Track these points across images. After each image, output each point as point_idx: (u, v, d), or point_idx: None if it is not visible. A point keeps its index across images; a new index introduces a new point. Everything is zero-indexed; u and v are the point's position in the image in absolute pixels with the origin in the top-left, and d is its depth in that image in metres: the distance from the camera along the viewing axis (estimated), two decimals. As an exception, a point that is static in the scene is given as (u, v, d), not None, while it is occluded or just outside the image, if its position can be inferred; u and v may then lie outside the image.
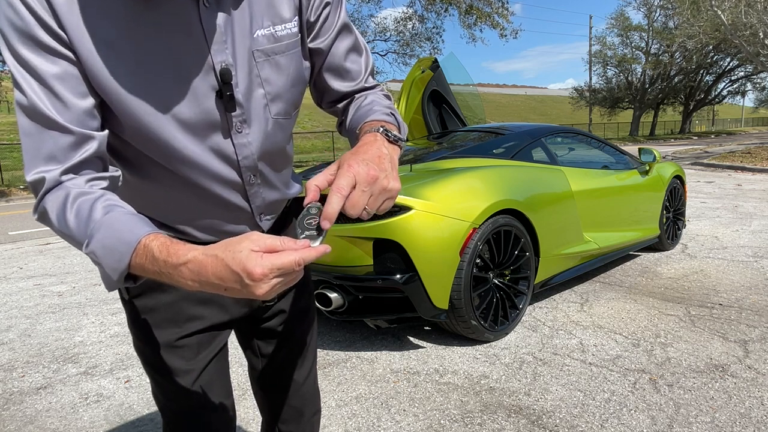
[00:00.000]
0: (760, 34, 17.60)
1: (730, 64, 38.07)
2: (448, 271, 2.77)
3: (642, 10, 37.82)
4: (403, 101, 4.91)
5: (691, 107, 42.01)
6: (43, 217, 0.78)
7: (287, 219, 1.13)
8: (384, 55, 21.56)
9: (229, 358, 1.46)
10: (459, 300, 2.80)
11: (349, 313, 2.86)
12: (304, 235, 0.70)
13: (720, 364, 2.63)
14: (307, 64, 0.96)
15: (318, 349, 3.01)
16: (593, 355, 2.79)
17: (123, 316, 3.71)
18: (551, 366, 2.68)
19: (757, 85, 42.40)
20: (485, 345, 2.98)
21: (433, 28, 23.61)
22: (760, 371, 2.53)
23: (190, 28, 0.80)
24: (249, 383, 2.31)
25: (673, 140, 34.50)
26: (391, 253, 2.72)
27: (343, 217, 0.77)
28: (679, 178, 5.06)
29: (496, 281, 3.09)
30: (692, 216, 6.53)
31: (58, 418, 2.39)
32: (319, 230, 0.70)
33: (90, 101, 0.79)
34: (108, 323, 3.62)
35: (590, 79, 39.27)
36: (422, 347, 2.99)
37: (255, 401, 1.26)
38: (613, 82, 41.52)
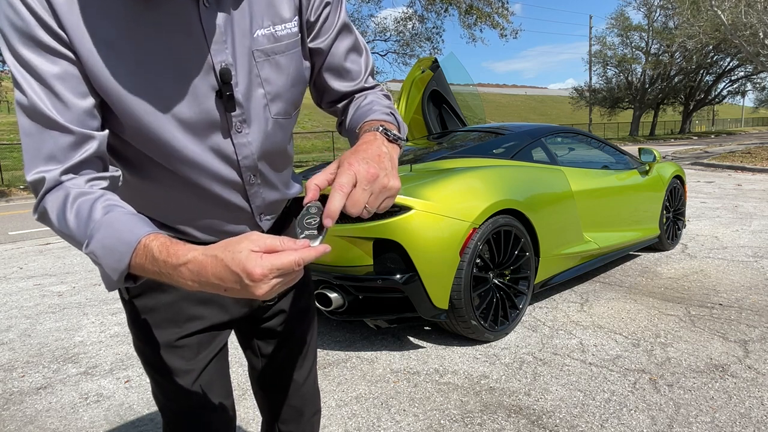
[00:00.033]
0: (760, 34, 17.60)
1: (730, 64, 38.08)
2: (448, 271, 2.77)
3: (642, 10, 37.85)
4: (403, 101, 4.91)
5: (691, 107, 42.01)
6: (43, 217, 0.78)
7: (287, 219, 1.13)
8: (384, 55, 21.57)
9: (229, 358, 1.46)
10: (459, 300, 2.80)
11: (349, 313, 2.86)
12: (303, 235, 0.70)
13: (720, 364, 2.63)
14: (307, 63, 0.96)
15: (318, 349, 3.01)
16: (593, 355, 2.79)
17: (123, 316, 3.71)
18: (551, 366, 2.68)
19: (757, 85, 42.41)
20: (485, 345, 2.98)
21: (433, 28, 23.62)
22: (760, 371, 2.53)
23: (190, 28, 0.80)
24: (249, 383, 2.31)
25: (673, 140, 34.51)
26: (391, 253, 2.72)
27: (343, 217, 0.77)
28: (679, 178, 5.06)
29: (496, 281, 3.09)
30: (692, 216, 6.53)
31: (58, 418, 2.39)
32: (319, 230, 0.70)
33: (90, 101, 0.79)
34: (108, 323, 3.62)
35: (590, 79, 39.29)
36: (422, 347, 3.00)
37: (255, 401, 1.26)
38: (613, 82, 41.53)
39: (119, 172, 0.87)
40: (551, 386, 2.48)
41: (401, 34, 20.64)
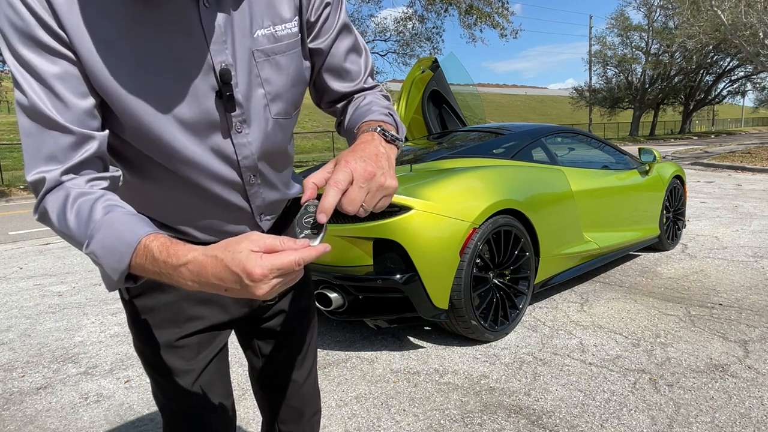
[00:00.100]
0: (760, 34, 17.60)
1: (730, 64, 38.07)
2: (448, 271, 2.77)
3: (642, 10, 37.84)
4: (403, 101, 4.91)
5: (691, 107, 42.01)
6: (43, 217, 0.78)
7: (287, 219, 1.13)
8: (384, 55, 21.56)
9: (229, 358, 1.46)
10: (459, 300, 2.80)
11: (349, 313, 2.87)
12: (303, 234, 0.70)
13: (720, 364, 2.63)
14: (307, 64, 0.96)
15: (318, 349, 3.01)
16: (593, 355, 2.79)
17: (123, 316, 3.71)
18: (551, 366, 2.68)
19: (757, 85, 42.41)
20: (485, 345, 2.98)
21: (433, 28, 23.59)
22: (760, 371, 2.53)
23: (190, 28, 0.80)
24: (249, 383, 2.31)
25: (673, 140, 34.50)
26: (391, 253, 2.72)
27: (342, 217, 0.77)
28: (679, 178, 5.06)
29: (496, 281, 3.09)
30: (692, 216, 6.53)
31: (58, 418, 2.39)
32: (319, 228, 0.70)
33: (90, 101, 0.79)
34: (108, 323, 3.62)
35: (590, 79, 39.29)
36: (422, 347, 3.00)
37: (255, 401, 1.26)
38: (613, 82, 41.52)
39: (119, 173, 0.87)
40: (551, 386, 2.48)
41: (401, 34, 20.64)
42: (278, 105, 0.93)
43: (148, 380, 2.71)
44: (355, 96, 1.02)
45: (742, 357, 2.69)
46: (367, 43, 1.04)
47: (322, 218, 0.69)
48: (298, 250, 0.66)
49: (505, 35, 18.96)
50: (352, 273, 2.78)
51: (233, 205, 0.96)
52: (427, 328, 3.29)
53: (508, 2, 18.67)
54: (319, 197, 0.71)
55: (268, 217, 1.04)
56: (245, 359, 1.21)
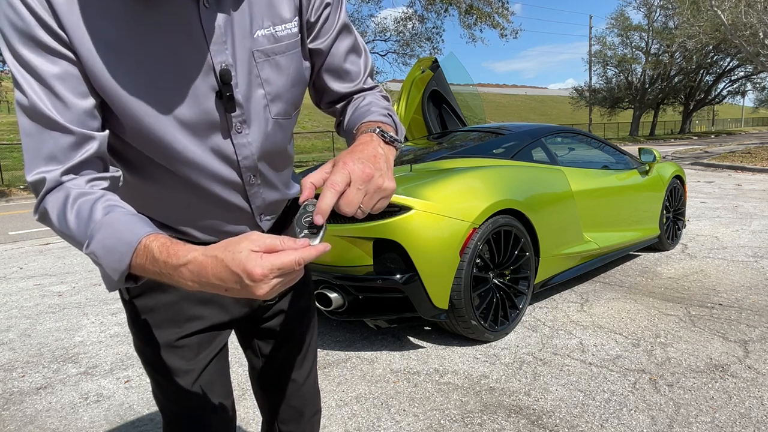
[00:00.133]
0: (760, 34, 17.60)
1: (730, 64, 38.06)
2: (448, 271, 2.77)
3: (642, 10, 37.84)
4: (403, 101, 4.91)
5: (691, 107, 42.01)
6: (43, 217, 0.78)
7: (287, 219, 1.13)
8: (384, 55, 21.56)
9: (229, 358, 1.46)
10: (459, 300, 2.80)
11: (349, 313, 2.87)
12: (303, 234, 0.70)
13: (720, 364, 2.63)
14: (307, 64, 0.96)
15: (318, 349, 3.01)
16: (593, 355, 2.80)
17: (123, 316, 3.71)
18: (551, 366, 2.68)
19: (757, 85, 42.40)
20: (485, 345, 2.98)
21: (433, 28, 23.58)
22: (760, 371, 2.53)
23: (190, 28, 0.80)
24: (249, 383, 2.31)
25: (673, 140, 34.50)
26: (391, 253, 2.72)
27: (341, 217, 0.77)
28: (679, 178, 5.06)
29: (496, 281, 3.09)
30: (692, 216, 6.53)
31: (58, 418, 2.39)
32: (318, 228, 0.70)
33: (90, 101, 0.79)
34: (108, 323, 3.62)
35: (590, 79, 39.29)
36: (422, 347, 3.00)
37: (255, 401, 1.26)
38: (613, 82, 41.52)
39: (119, 173, 0.87)
40: (551, 386, 2.48)
41: (401, 34, 20.64)
42: (278, 105, 0.93)
43: (148, 380, 2.71)
44: (355, 96, 1.02)
45: (742, 357, 2.69)
46: (367, 43, 1.03)
47: (319, 220, 0.69)
48: (298, 250, 0.66)
49: (505, 35, 18.97)
50: (352, 273, 2.78)
51: (233, 205, 0.96)
52: (427, 328, 3.29)
53: (508, 2, 18.67)
54: (317, 197, 0.71)
55: (268, 217, 1.04)
56: (245, 359, 1.21)
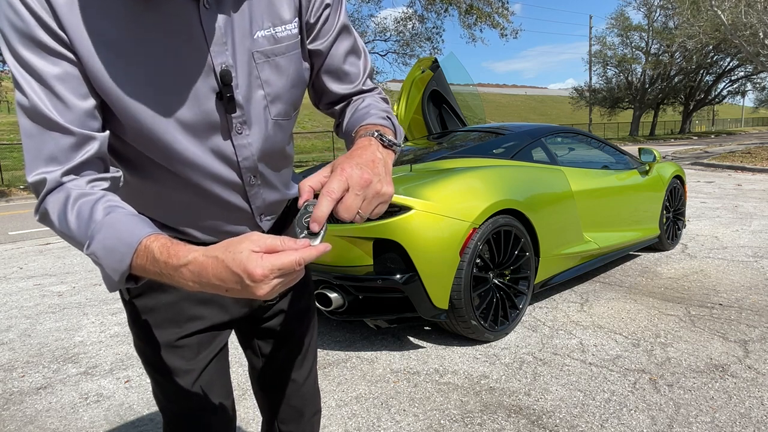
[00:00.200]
0: (760, 34, 17.60)
1: (730, 64, 38.06)
2: (448, 271, 2.77)
3: (642, 10, 37.84)
4: (403, 101, 4.92)
5: (691, 107, 42.00)
6: (44, 218, 0.78)
7: (287, 219, 1.13)
8: (384, 55, 21.56)
9: (229, 358, 1.46)
10: (459, 300, 2.80)
11: (349, 313, 2.87)
12: (303, 234, 0.70)
13: (720, 364, 2.63)
14: (306, 65, 0.96)
15: (318, 349, 3.01)
16: (593, 355, 2.80)
17: (123, 316, 3.72)
18: (551, 366, 2.68)
19: (757, 85, 42.39)
20: (485, 345, 2.98)
21: (433, 28, 23.57)
22: (760, 371, 2.53)
23: (190, 29, 0.80)
24: (249, 383, 2.32)
25: (673, 140, 34.50)
26: (391, 253, 2.72)
27: (337, 221, 0.77)
28: (679, 178, 5.06)
29: (496, 281, 3.09)
30: (692, 216, 6.54)
31: (58, 418, 2.40)
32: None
33: (91, 102, 0.79)
34: (108, 323, 3.62)
35: (590, 79, 39.29)
36: (422, 347, 3.00)
37: (255, 401, 1.26)
38: (613, 82, 41.51)
39: (120, 173, 0.87)
40: (551, 386, 2.48)
41: (401, 34, 20.64)
42: (278, 106, 0.93)
43: (148, 380, 2.71)
44: (354, 98, 1.02)
45: (742, 357, 2.69)
46: (366, 43, 1.03)
47: (315, 227, 0.69)
48: (298, 250, 0.66)
49: (505, 35, 18.97)
50: (352, 273, 2.78)
51: (233, 205, 0.96)
52: (427, 328, 3.29)
53: (508, 2, 18.68)
54: (317, 197, 0.71)
55: (268, 218, 1.04)
56: (245, 359, 1.21)
